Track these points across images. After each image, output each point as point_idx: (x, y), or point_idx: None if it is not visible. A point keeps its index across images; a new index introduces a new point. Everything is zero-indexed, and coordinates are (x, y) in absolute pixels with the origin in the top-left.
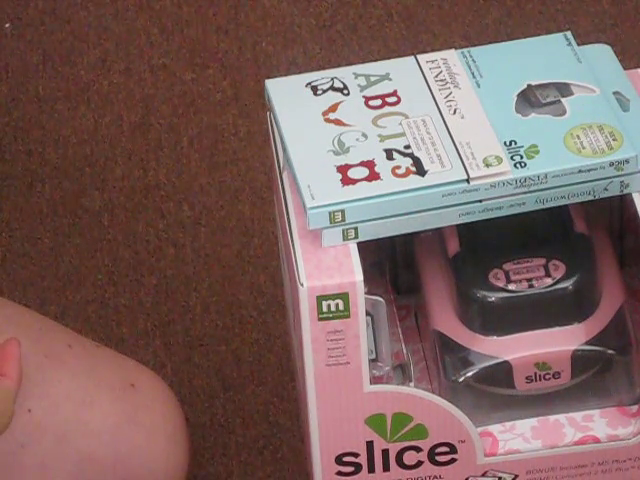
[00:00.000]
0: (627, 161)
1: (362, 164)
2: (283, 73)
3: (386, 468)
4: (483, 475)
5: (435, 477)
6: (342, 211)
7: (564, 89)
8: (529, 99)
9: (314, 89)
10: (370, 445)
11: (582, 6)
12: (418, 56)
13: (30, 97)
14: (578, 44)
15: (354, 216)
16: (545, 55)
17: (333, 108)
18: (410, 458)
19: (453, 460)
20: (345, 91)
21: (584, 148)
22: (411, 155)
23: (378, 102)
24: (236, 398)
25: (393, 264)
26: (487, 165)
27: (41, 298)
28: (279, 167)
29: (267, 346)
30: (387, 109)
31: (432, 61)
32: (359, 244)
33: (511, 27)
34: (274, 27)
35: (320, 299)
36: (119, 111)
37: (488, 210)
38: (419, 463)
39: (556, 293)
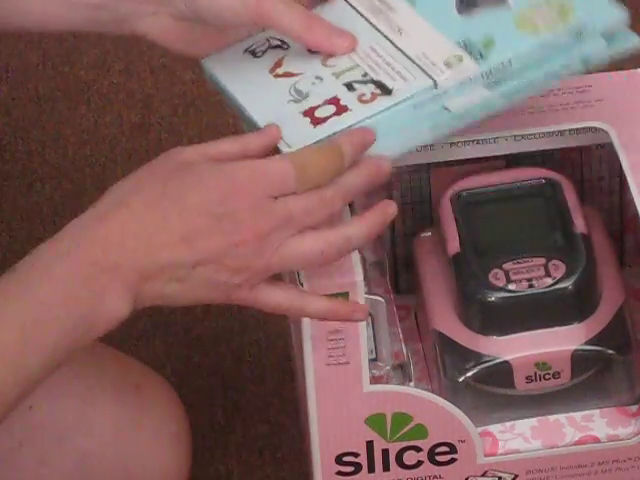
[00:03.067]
0: (584, 26)
1: (327, 102)
2: None
3: (386, 468)
4: (483, 475)
5: (435, 477)
6: None
7: None
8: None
9: (253, 53)
10: (370, 445)
11: None
12: None
13: (30, 97)
14: None
15: None
16: None
17: (278, 64)
18: (410, 458)
19: (453, 460)
20: (284, 46)
21: (538, 25)
22: (371, 81)
23: None
24: (236, 398)
25: (393, 264)
26: (449, 65)
27: None
28: None
29: (267, 346)
30: None
31: None
32: None
33: None
34: None
35: None
36: (119, 111)
37: (459, 118)
38: (419, 463)
39: (556, 293)
